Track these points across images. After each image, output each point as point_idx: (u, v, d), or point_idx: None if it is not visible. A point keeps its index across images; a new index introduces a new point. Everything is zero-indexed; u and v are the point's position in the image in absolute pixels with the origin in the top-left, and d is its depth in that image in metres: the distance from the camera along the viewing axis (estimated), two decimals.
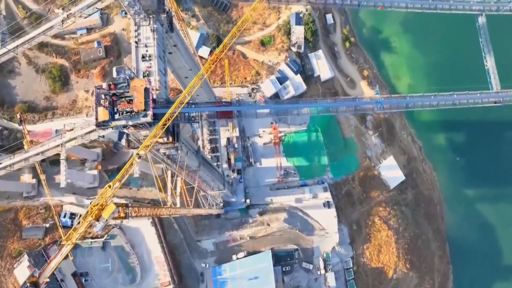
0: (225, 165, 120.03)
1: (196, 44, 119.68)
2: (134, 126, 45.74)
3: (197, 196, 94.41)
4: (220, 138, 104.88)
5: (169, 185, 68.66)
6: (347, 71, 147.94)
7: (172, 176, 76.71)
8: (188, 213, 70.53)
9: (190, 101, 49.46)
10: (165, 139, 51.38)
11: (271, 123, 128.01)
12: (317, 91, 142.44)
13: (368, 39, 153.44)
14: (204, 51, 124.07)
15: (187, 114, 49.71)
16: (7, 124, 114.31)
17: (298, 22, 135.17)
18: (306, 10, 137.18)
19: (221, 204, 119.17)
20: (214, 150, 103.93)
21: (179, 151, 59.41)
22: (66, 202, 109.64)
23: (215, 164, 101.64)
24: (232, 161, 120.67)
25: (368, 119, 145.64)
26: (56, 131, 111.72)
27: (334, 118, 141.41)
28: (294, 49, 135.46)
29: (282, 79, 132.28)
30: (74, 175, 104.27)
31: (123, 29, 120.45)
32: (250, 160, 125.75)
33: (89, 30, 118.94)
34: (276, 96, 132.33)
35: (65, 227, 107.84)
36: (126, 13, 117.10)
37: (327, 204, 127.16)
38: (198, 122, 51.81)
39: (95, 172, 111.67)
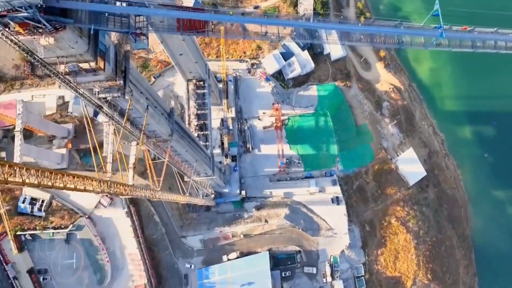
0: (217, 151, 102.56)
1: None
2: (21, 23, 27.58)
3: (180, 181, 76.86)
4: (210, 115, 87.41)
5: (109, 148, 51.02)
6: (361, 51, 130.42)
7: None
8: (146, 196, 52.75)
9: None
10: (92, 64, 34.14)
11: (273, 103, 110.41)
12: (327, 71, 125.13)
13: (385, 15, 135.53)
14: None
15: (125, 18, 32.30)
16: None
17: None
18: None
19: (212, 195, 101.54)
20: (202, 127, 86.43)
21: (127, 96, 42.16)
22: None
23: (202, 144, 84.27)
24: (226, 145, 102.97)
25: (384, 105, 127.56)
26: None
27: (345, 102, 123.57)
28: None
29: (286, 55, 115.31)
30: (34, 152, 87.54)
31: None
32: (248, 146, 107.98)
33: None
34: (279, 73, 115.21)
35: (24, 214, 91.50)
36: None
37: (335, 200, 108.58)
38: (146, 35, 34.63)
39: (63, 151, 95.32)
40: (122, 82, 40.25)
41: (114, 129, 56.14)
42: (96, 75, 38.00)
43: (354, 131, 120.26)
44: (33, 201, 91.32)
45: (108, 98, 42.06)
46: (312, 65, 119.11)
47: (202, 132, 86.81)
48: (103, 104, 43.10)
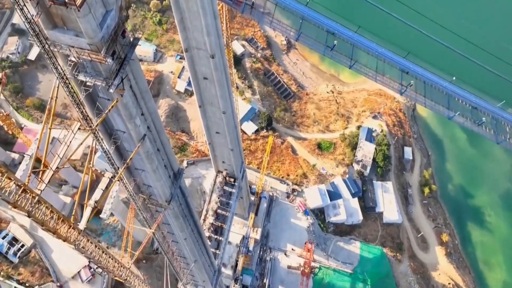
0: (228, 271, 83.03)
1: (242, 116, 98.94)
2: None
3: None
4: (231, 221, 72.18)
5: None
6: (420, 225, 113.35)
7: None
8: (104, 267, 36.47)
9: None
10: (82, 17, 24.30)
11: (306, 242, 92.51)
12: (376, 231, 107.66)
13: (453, 198, 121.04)
14: (250, 127, 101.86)
15: None
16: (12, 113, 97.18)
17: (369, 139, 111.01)
18: (381, 131, 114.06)
19: None
20: (217, 230, 70.67)
21: (111, 90, 31.20)
22: (17, 222, 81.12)
23: (211, 249, 67.40)
24: (240, 268, 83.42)
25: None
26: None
27: (391, 276, 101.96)
28: (357, 167, 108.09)
29: (333, 195, 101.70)
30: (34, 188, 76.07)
31: (171, 72, 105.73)
32: (264, 281, 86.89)
33: (139, 60, 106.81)
34: (320, 211, 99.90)
35: None
36: (181, 58, 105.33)
37: None
38: None
39: (68, 200, 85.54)
40: (110, 61, 29.55)
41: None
42: (78, 36, 27.91)
43: None
44: (13, 241, 78.72)
45: (88, 82, 31.12)
46: (360, 217, 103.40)
47: (215, 236, 70.55)
48: (80, 92, 32.06)
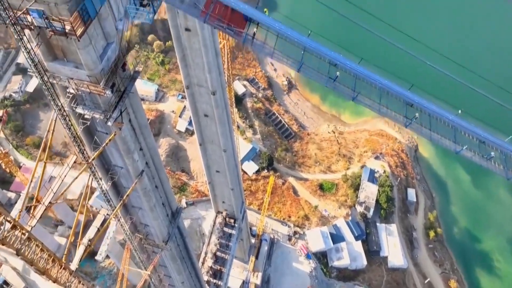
0: None
1: (243, 156, 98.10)
2: None
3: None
4: (230, 264, 69.38)
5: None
6: (426, 270, 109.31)
7: None
8: None
9: None
10: (66, 23, 24.16)
11: (308, 286, 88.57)
12: (380, 277, 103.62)
13: (460, 242, 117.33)
14: (250, 166, 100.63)
15: None
16: (11, 151, 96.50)
17: (372, 180, 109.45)
18: (384, 172, 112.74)
19: None
20: (216, 274, 67.75)
21: (109, 123, 30.72)
22: (9, 264, 76.94)
23: None
24: None
25: None
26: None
27: None
28: (360, 208, 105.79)
29: (336, 238, 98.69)
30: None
31: (172, 111, 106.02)
32: None
33: (141, 99, 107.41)
34: (323, 255, 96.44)
35: None
36: (183, 97, 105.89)
37: None
38: (152, 4, 24.41)
39: (63, 241, 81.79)
40: (109, 93, 29.18)
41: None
42: (77, 68, 27.74)
43: None
44: (4, 284, 74.17)
45: (86, 115, 30.57)
46: (365, 262, 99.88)
47: (214, 281, 67.54)
48: (78, 125, 31.45)
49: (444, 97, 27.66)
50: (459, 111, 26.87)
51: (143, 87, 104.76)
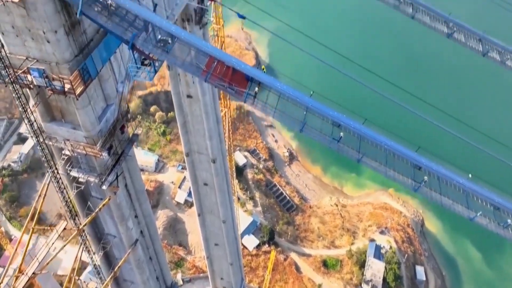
0: None
1: (244, 230, 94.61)
2: None
3: None
4: None
5: None
6: None
7: None
8: None
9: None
10: (66, 82, 23.83)
11: None
12: None
13: None
14: (251, 241, 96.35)
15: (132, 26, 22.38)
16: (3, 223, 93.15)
17: (378, 256, 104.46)
18: (390, 247, 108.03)
19: None
20: None
21: (104, 187, 29.63)
22: None
23: None
24: None
25: None
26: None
27: None
28: (366, 287, 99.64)
29: None
30: None
31: (172, 182, 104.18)
32: None
33: (141, 170, 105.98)
34: None
35: None
36: (183, 168, 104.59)
37: None
38: (154, 64, 24.09)
39: None
40: (106, 155, 28.38)
41: None
42: (75, 129, 27.30)
43: None
44: None
45: (81, 178, 29.46)
46: None
47: None
48: (71, 189, 30.22)
49: (452, 160, 26.62)
50: (469, 175, 25.63)
51: (143, 157, 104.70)
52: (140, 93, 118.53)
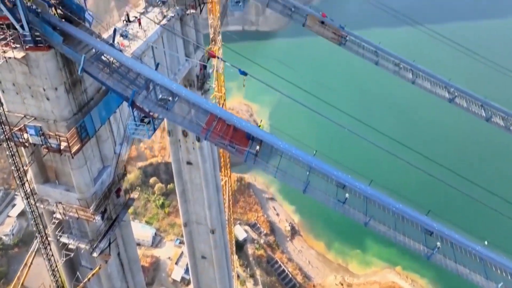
0: None
1: None
2: None
3: None
4: None
5: None
6: None
7: None
8: None
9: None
10: (63, 139, 23.42)
11: None
12: None
13: None
14: None
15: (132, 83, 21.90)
16: None
17: None
18: None
19: None
20: None
21: (95, 254, 28.01)
22: None
23: None
24: None
25: None
26: None
27: None
28: None
29: None
30: None
31: (169, 258, 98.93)
32: None
33: (137, 244, 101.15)
34: None
35: None
36: (181, 242, 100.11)
37: None
38: (153, 121, 23.63)
39: None
40: (99, 219, 27.02)
41: None
42: (68, 191, 26.34)
43: None
44: None
45: (71, 245, 27.74)
46: None
47: None
48: (60, 257, 28.33)
49: (465, 225, 24.98)
50: (486, 242, 23.97)
51: (140, 231, 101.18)
52: (140, 164, 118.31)
